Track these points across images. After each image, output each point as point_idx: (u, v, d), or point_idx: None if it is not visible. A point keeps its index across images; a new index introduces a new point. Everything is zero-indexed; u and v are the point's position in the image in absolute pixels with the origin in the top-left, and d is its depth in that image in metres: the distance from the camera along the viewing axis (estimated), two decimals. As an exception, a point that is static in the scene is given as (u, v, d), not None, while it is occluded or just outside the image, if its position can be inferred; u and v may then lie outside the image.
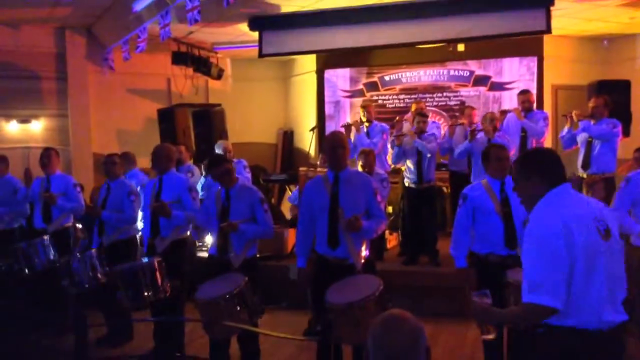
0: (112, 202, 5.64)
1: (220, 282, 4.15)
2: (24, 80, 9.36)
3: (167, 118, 9.55)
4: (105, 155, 6.01)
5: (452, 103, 9.72)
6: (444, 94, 9.80)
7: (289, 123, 11.69)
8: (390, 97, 10.08)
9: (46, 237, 5.71)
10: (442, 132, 7.72)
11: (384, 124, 7.38)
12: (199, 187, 6.72)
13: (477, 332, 4.74)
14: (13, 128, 9.47)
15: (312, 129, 8.98)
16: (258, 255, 4.81)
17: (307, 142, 9.19)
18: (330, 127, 10.13)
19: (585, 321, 2.41)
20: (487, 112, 7.47)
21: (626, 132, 7.14)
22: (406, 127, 7.18)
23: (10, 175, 6.65)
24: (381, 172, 6.48)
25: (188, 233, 5.28)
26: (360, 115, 7.35)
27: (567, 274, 2.37)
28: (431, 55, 9.49)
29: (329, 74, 10.44)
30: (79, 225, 6.36)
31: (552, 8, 7.13)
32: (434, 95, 9.84)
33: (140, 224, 5.71)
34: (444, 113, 9.71)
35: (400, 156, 6.89)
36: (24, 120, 9.49)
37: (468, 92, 9.65)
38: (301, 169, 7.22)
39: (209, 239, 5.94)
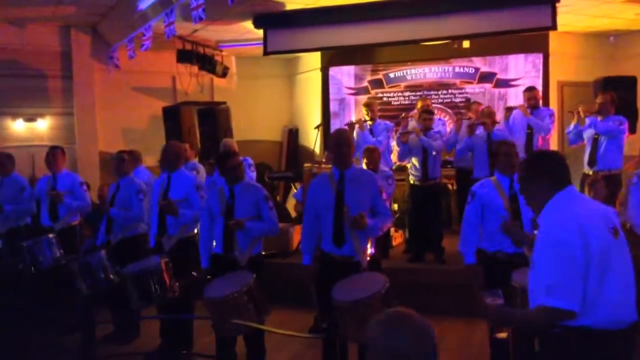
0: (121, 200, 5.67)
1: (229, 280, 4.15)
2: (29, 79, 9.38)
3: (172, 116, 9.56)
4: (113, 153, 6.04)
5: (457, 100, 9.69)
6: (449, 91, 9.77)
7: (294, 121, 11.68)
8: (395, 95, 10.06)
9: (52, 235, 5.73)
10: (448, 129, 7.70)
11: (387, 122, 7.36)
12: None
13: (483, 330, 4.76)
14: (19, 126, 9.49)
15: (317, 127, 8.97)
16: (263, 253, 4.82)
17: (312, 139, 9.18)
18: (335, 125, 10.12)
19: (600, 320, 2.41)
20: (485, 106, 7.44)
21: (632, 129, 7.11)
22: (411, 124, 7.17)
23: (16, 174, 6.67)
24: (386, 170, 6.48)
25: (195, 231, 5.29)
26: (364, 113, 7.34)
27: (584, 276, 2.38)
28: (436, 52, 9.47)
29: (333, 71, 10.42)
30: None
31: (557, 4, 7.11)
32: (439, 93, 9.82)
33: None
34: (449, 110, 9.68)
35: (406, 154, 6.88)
36: (30, 118, 9.52)
37: (473, 89, 9.62)
38: (305, 165, 7.22)
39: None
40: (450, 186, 8.32)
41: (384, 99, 9.99)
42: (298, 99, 11.65)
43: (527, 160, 2.81)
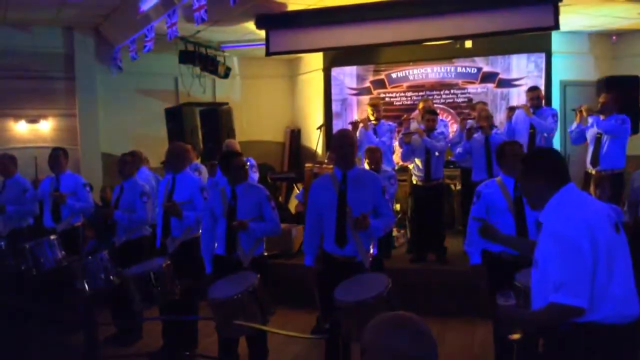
0: (125, 202, 5.67)
1: (233, 281, 4.13)
2: (32, 81, 9.40)
3: (174, 117, 9.57)
4: (115, 155, 6.05)
5: (459, 100, 9.68)
6: (452, 91, 9.76)
7: (296, 121, 11.68)
8: (398, 95, 10.06)
9: (53, 237, 5.72)
10: (450, 129, 7.69)
11: (391, 123, 7.35)
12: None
13: (486, 330, 4.75)
14: (22, 128, 9.51)
15: (320, 127, 8.98)
16: (265, 254, 4.81)
17: (315, 140, 9.18)
18: (337, 125, 10.12)
19: (608, 316, 2.44)
20: (481, 106, 7.41)
21: (635, 129, 7.10)
22: (413, 125, 7.17)
23: (19, 175, 6.69)
24: (388, 170, 6.48)
25: (199, 233, 5.28)
26: (369, 113, 7.33)
27: (592, 273, 2.40)
28: (438, 52, 9.47)
29: (336, 71, 10.43)
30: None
31: (559, 4, 7.09)
32: (442, 93, 9.81)
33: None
34: (452, 110, 9.68)
35: (409, 154, 6.88)
36: (33, 120, 9.53)
37: (476, 89, 9.61)
38: (307, 165, 7.22)
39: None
40: (453, 186, 8.32)
41: (386, 99, 9.98)
42: (300, 99, 11.66)
43: (525, 158, 2.84)
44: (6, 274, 5.89)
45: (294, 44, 8.63)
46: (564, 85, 9.40)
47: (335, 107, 10.46)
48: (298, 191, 8.49)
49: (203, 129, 9.56)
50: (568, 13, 7.69)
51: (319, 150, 9.25)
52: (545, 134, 6.96)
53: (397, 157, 7.52)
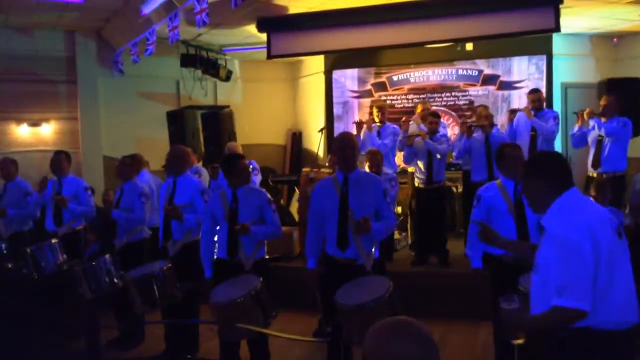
0: (125, 204, 5.71)
1: (235, 284, 4.13)
2: (34, 84, 9.41)
3: (176, 120, 9.58)
4: (117, 158, 6.07)
5: (460, 103, 9.69)
6: (453, 93, 9.77)
7: (297, 124, 11.69)
8: (399, 97, 10.06)
9: (54, 241, 5.72)
10: (449, 131, 7.70)
11: (395, 126, 7.34)
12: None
13: (488, 333, 4.74)
14: (23, 131, 9.52)
15: (321, 130, 8.97)
16: (267, 257, 4.81)
17: (316, 143, 9.18)
18: (338, 128, 10.13)
19: (606, 322, 2.43)
20: (481, 109, 7.42)
21: (636, 131, 7.09)
22: (412, 128, 7.17)
23: (20, 179, 6.70)
24: (389, 172, 6.48)
25: (200, 236, 5.29)
26: (374, 115, 7.32)
27: (593, 276, 2.39)
28: (439, 55, 9.47)
29: (337, 74, 10.43)
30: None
31: (560, 6, 7.09)
32: (443, 95, 9.82)
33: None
34: (453, 113, 9.68)
35: (411, 157, 6.89)
36: (35, 123, 9.54)
37: (477, 92, 9.61)
38: (304, 169, 7.22)
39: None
40: (454, 189, 8.31)
41: (388, 101, 9.98)
42: (301, 102, 11.66)
43: (528, 161, 2.84)
44: (7, 277, 5.89)
45: (295, 46, 8.63)
46: (565, 88, 9.40)
47: (336, 109, 10.47)
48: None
49: (205, 132, 9.56)
50: (569, 15, 7.69)
51: (321, 153, 9.24)
52: (547, 137, 6.95)
53: (399, 160, 7.52)
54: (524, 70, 9.34)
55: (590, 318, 2.41)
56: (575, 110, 7.05)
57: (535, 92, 7.27)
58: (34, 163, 8.75)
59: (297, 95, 11.80)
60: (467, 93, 9.67)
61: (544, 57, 9.14)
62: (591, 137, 6.72)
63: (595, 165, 6.64)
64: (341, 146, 4.15)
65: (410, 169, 7.17)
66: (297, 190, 9.02)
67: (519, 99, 9.12)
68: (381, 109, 7.33)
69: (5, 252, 6.00)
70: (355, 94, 10.36)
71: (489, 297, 4.20)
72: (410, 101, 9.93)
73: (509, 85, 9.42)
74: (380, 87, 10.15)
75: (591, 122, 6.75)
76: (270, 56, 8.64)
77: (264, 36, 8.57)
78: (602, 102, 6.67)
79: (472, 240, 4.35)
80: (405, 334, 1.70)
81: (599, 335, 2.43)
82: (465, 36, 8.09)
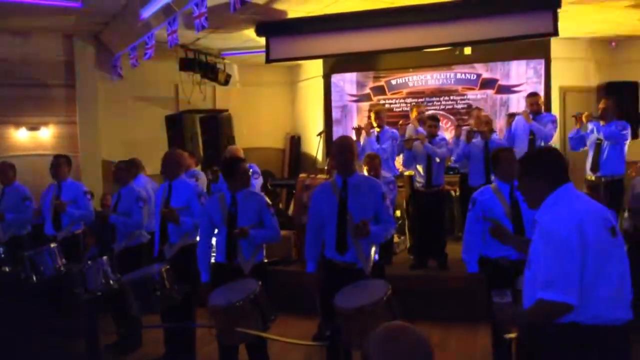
0: (122, 208, 5.72)
1: (234, 287, 4.12)
2: (33, 88, 9.41)
3: (174, 124, 9.59)
4: (115, 162, 6.09)
5: (459, 106, 9.70)
6: (451, 97, 9.79)
7: (296, 128, 11.70)
8: (397, 101, 10.08)
9: (53, 245, 5.71)
10: (446, 134, 7.71)
11: (394, 130, 7.34)
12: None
13: (487, 336, 4.74)
14: (22, 135, 9.52)
15: (320, 134, 8.99)
16: (266, 260, 4.81)
17: (315, 146, 9.19)
18: (337, 132, 10.14)
19: (592, 317, 2.43)
20: (481, 114, 7.44)
21: (634, 134, 7.11)
22: (409, 131, 7.18)
23: (18, 183, 6.69)
24: (388, 176, 6.48)
25: (197, 239, 5.28)
26: (372, 120, 7.34)
27: (580, 271, 2.40)
28: (438, 59, 9.49)
29: (335, 78, 10.45)
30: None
31: (558, 10, 7.11)
32: (441, 99, 9.84)
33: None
34: (451, 117, 9.70)
35: (410, 160, 6.90)
36: (33, 127, 9.53)
37: (475, 96, 9.63)
38: (300, 176, 7.22)
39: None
40: (453, 192, 8.32)
41: (386, 105, 10.00)
42: (300, 106, 11.67)
43: (525, 157, 2.85)
44: (5, 281, 5.88)
45: (294, 51, 8.64)
46: (564, 91, 9.42)
47: (335, 113, 10.48)
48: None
49: (203, 136, 9.57)
50: (567, 19, 7.71)
51: (319, 157, 9.25)
52: (545, 140, 6.97)
53: (399, 164, 7.52)
54: (522, 74, 9.36)
55: (579, 313, 2.41)
56: (574, 113, 7.06)
57: (533, 95, 7.30)
58: (32, 167, 8.73)
59: (295, 99, 11.81)
60: (465, 97, 9.69)
61: (542, 61, 9.17)
62: (590, 140, 6.73)
63: (594, 169, 6.65)
64: (340, 150, 4.16)
65: (407, 173, 7.18)
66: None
67: (518, 103, 9.14)
68: (378, 113, 7.34)
69: (3, 255, 5.98)
70: (354, 98, 10.37)
71: (486, 300, 4.19)
72: (408, 105, 9.92)
73: (507, 89, 9.44)
74: (379, 91, 10.16)
75: (590, 126, 6.76)
76: (269, 60, 8.65)
77: (262, 40, 8.58)
78: (601, 106, 6.69)
79: (468, 244, 4.36)
80: (399, 341, 1.71)
81: (589, 330, 2.43)
82: (463, 40, 8.10)
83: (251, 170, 6.87)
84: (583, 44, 9.51)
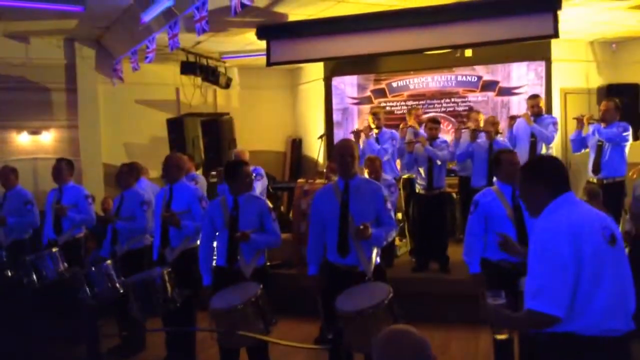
0: (125, 211, 5.70)
1: (235, 291, 4.12)
2: (34, 92, 9.43)
3: (176, 128, 9.60)
4: (117, 166, 6.08)
5: (460, 109, 9.70)
6: (452, 99, 9.79)
7: (297, 131, 11.71)
8: (398, 104, 10.08)
9: (55, 250, 5.72)
10: (446, 136, 7.71)
11: (393, 131, 7.36)
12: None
13: (489, 339, 4.73)
14: (23, 139, 9.53)
15: (321, 137, 8.99)
16: (268, 264, 4.80)
17: (316, 149, 9.19)
18: (338, 135, 10.15)
19: (589, 327, 2.40)
20: (489, 115, 7.45)
21: (635, 136, 7.10)
22: (409, 135, 7.18)
23: (20, 187, 6.69)
24: (389, 178, 6.48)
25: (198, 243, 5.28)
26: (370, 121, 7.35)
27: (572, 282, 2.37)
28: (439, 61, 9.49)
29: (336, 81, 10.46)
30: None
31: (559, 12, 7.12)
32: (442, 101, 9.84)
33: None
34: (452, 119, 9.69)
35: (411, 163, 6.90)
36: (35, 131, 9.55)
37: (476, 98, 9.63)
38: (299, 181, 7.21)
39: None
40: (454, 195, 8.32)
41: (387, 108, 10.00)
42: (301, 109, 11.68)
43: (526, 165, 2.84)
44: (7, 285, 5.88)
45: (294, 54, 8.66)
46: (565, 93, 9.41)
47: (336, 116, 10.49)
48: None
49: (204, 139, 9.58)
50: (568, 21, 7.71)
51: (320, 160, 9.25)
52: (546, 142, 6.97)
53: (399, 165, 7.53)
54: (523, 76, 9.36)
55: (574, 323, 2.39)
56: (574, 116, 7.06)
57: (534, 97, 7.30)
58: (34, 171, 8.74)
59: (296, 102, 11.82)
60: (466, 99, 9.69)
61: (543, 62, 9.16)
62: (591, 142, 6.73)
63: (595, 170, 6.64)
64: (341, 153, 4.16)
65: (405, 175, 7.19)
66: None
67: (518, 105, 9.13)
68: (376, 114, 7.34)
69: (4, 259, 5.99)
70: (355, 101, 10.38)
71: (479, 300, 4.19)
72: (409, 107, 9.94)
73: (508, 91, 9.43)
74: (380, 93, 10.17)
75: (591, 128, 6.76)
76: (269, 63, 8.67)
77: (263, 43, 8.59)
78: (602, 108, 6.68)
79: (469, 245, 4.35)
80: (399, 345, 1.72)
81: (584, 341, 2.41)
82: (464, 42, 8.11)
83: (255, 173, 6.89)
84: (584, 46, 9.51)
